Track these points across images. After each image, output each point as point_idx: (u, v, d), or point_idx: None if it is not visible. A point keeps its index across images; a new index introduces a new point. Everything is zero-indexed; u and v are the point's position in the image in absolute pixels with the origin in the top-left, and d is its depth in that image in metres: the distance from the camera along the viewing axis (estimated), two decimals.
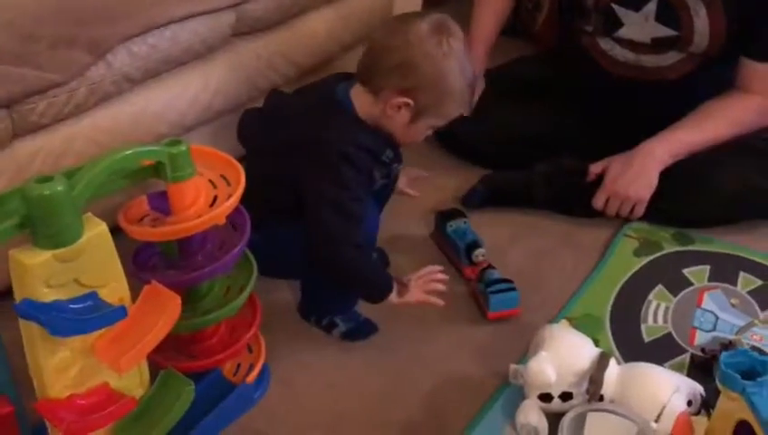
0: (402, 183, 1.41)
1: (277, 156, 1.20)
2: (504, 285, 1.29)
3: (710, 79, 1.51)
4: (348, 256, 1.16)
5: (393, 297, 1.19)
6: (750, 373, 0.96)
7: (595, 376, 1.03)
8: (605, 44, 1.55)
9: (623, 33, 1.51)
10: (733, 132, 1.47)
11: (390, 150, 1.21)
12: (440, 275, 1.23)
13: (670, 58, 1.51)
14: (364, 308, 1.28)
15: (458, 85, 1.18)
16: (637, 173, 1.46)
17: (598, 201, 1.50)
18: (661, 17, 1.46)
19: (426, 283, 1.21)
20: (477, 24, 1.68)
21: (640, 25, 1.49)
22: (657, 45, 1.50)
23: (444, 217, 1.47)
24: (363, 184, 1.17)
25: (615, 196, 1.48)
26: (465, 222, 1.45)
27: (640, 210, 1.49)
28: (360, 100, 1.19)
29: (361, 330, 1.27)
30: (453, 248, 1.42)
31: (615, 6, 1.49)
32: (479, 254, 1.36)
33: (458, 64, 1.16)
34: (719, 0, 1.40)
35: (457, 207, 1.54)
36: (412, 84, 1.15)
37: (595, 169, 1.52)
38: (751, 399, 0.93)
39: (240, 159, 1.09)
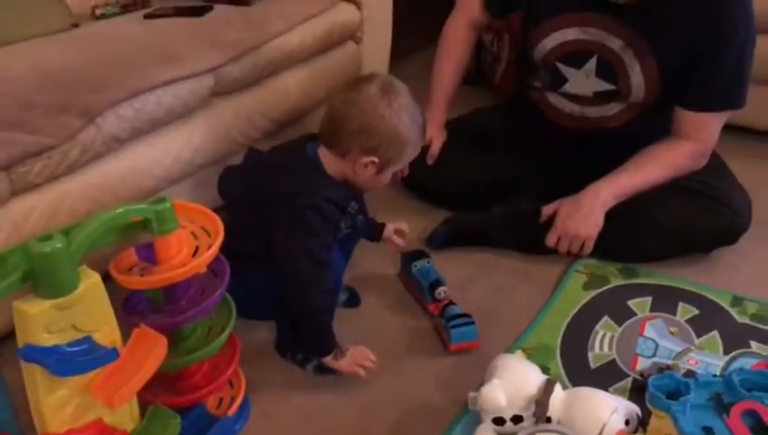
0: (389, 232, 1.55)
1: (253, 207, 1.32)
2: (463, 320, 1.40)
3: (649, 125, 1.64)
4: (315, 301, 1.27)
5: (329, 359, 1.30)
6: (675, 394, 1.08)
7: (541, 400, 1.14)
8: (553, 98, 1.69)
9: (568, 88, 1.65)
10: (669, 175, 1.58)
11: (355, 203, 1.34)
12: (369, 362, 1.31)
13: (612, 109, 1.64)
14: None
15: (413, 134, 1.32)
16: (585, 214, 1.57)
17: (550, 240, 1.61)
18: (600, 73, 1.60)
19: (358, 359, 1.31)
20: (439, 74, 1.82)
21: (583, 81, 1.63)
22: (599, 98, 1.63)
23: (409, 257, 1.58)
24: (330, 233, 1.29)
25: (565, 235, 1.59)
26: (428, 262, 1.56)
27: (589, 247, 1.59)
28: (328, 159, 1.32)
29: None
30: (418, 286, 1.53)
31: (559, 65, 1.63)
32: (441, 291, 1.48)
33: (408, 116, 1.30)
34: (651, 57, 1.53)
35: (422, 247, 1.65)
36: (374, 145, 1.28)
37: (547, 210, 1.63)
38: (675, 417, 1.04)
39: (218, 210, 1.20)
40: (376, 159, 1.30)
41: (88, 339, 0.96)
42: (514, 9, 1.74)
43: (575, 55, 1.61)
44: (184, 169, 1.57)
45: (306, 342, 1.34)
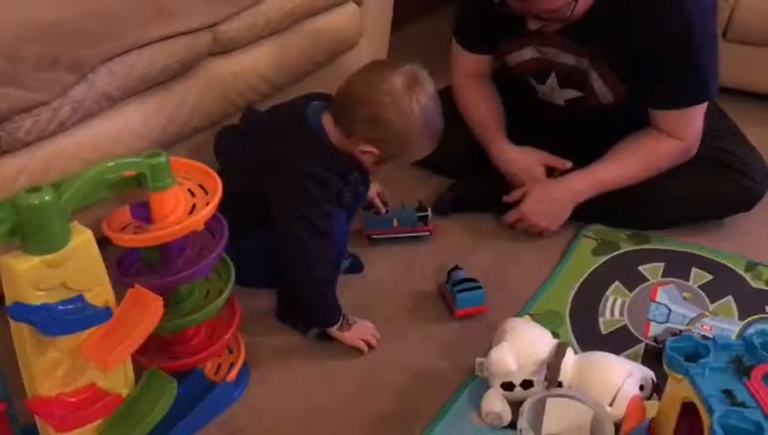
0: (371, 194, 1.51)
1: (250, 172, 1.27)
2: (470, 284, 1.36)
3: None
4: (316, 272, 1.23)
5: (334, 330, 1.27)
6: (693, 356, 1.04)
7: (553, 364, 1.10)
8: (532, 99, 1.65)
9: (540, 97, 1.63)
10: (649, 174, 1.52)
11: (357, 173, 1.29)
12: (373, 338, 1.29)
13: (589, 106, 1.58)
14: None
15: (422, 138, 1.27)
16: (552, 207, 1.54)
17: (509, 218, 1.57)
18: (563, 85, 1.56)
19: (363, 333, 1.28)
20: (476, 116, 1.67)
21: (550, 93, 1.59)
22: (571, 105, 1.59)
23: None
24: (332, 202, 1.25)
25: (526, 220, 1.55)
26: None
27: (549, 234, 1.57)
28: (331, 129, 1.27)
29: None
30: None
31: (528, 77, 1.60)
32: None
33: (424, 120, 1.24)
34: (606, 65, 1.47)
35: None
36: (380, 137, 1.23)
37: (516, 195, 1.58)
38: (693, 379, 1.00)
39: (218, 173, 1.15)
40: (376, 151, 1.25)
41: (80, 298, 0.93)
42: (495, 38, 1.61)
43: (536, 72, 1.58)
44: (179, 130, 1.52)
45: (310, 313, 1.31)
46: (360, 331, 1.29)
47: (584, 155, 1.57)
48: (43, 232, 0.86)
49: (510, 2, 1.33)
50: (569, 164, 1.59)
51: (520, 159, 1.61)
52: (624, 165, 1.53)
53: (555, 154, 1.63)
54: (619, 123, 1.56)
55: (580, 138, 1.60)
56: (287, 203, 1.22)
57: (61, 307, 0.90)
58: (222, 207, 1.07)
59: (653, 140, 1.52)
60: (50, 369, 0.94)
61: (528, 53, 1.55)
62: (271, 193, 1.24)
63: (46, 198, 0.86)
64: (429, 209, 1.58)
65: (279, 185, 1.22)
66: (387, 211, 1.57)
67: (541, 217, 1.54)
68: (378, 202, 1.55)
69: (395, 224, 1.55)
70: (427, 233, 1.57)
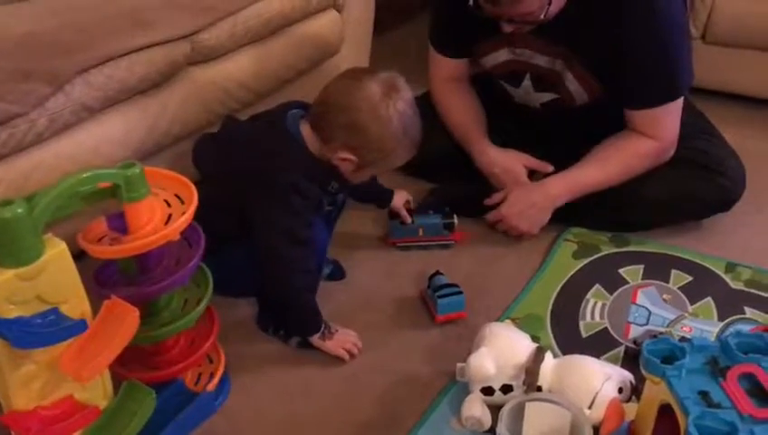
0: (398, 204, 1.55)
1: (229, 182, 1.27)
2: (450, 290, 1.36)
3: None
4: (297, 282, 1.23)
5: (315, 338, 1.27)
6: (670, 358, 1.04)
7: (531, 368, 1.11)
8: (509, 102, 1.66)
9: (517, 100, 1.63)
10: (626, 176, 1.53)
11: (335, 182, 1.29)
12: (354, 347, 1.29)
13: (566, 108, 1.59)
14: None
15: (401, 145, 1.27)
16: (532, 210, 1.54)
17: (491, 217, 1.58)
18: (539, 88, 1.57)
19: (344, 342, 1.28)
20: (455, 118, 1.68)
21: (525, 96, 1.60)
22: (547, 108, 1.60)
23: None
24: (310, 210, 1.25)
25: (506, 222, 1.56)
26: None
27: (528, 237, 1.57)
28: (310, 138, 1.27)
29: None
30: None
31: (502, 82, 1.62)
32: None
33: (403, 127, 1.24)
34: (579, 65, 1.48)
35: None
36: (357, 144, 1.23)
37: (496, 198, 1.58)
38: (670, 381, 1.00)
39: (196, 183, 1.15)
40: (355, 159, 1.25)
41: (54, 311, 0.92)
42: (470, 41, 1.61)
43: (511, 75, 1.59)
44: (160, 140, 1.52)
45: (291, 322, 1.31)
46: (341, 340, 1.28)
47: (564, 156, 1.58)
48: (15, 245, 0.86)
49: (483, 5, 1.33)
50: (550, 168, 1.60)
51: (502, 161, 1.62)
52: (602, 168, 1.53)
53: (535, 156, 1.64)
54: (596, 123, 1.56)
55: (559, 140, 1.62)
56: (267, 213, 1.22)
57: (35, 320, 0.89)
58: (201, 217, 1.07)
59: (630, 142, 1.52)
60: (26, 382, 0.94)
61: (503, 56, 1.56)
62: (250, 203, 1.23)
63: (18, 210, 0.85)
64: (455, 217, 1.57)
65: (259, 195, 1.22)
66: (412, 220, 1.56)
67: (520, 220, 1.54)
68: (404, 213, 1.55)
69: (420, 233, 1.55)
70: (453, 242, 1.57)
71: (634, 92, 1.49)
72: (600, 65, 1.47)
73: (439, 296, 1.35)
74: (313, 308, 1.28)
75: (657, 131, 1.51)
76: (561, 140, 1.61)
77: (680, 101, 1.50)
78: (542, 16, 1.34)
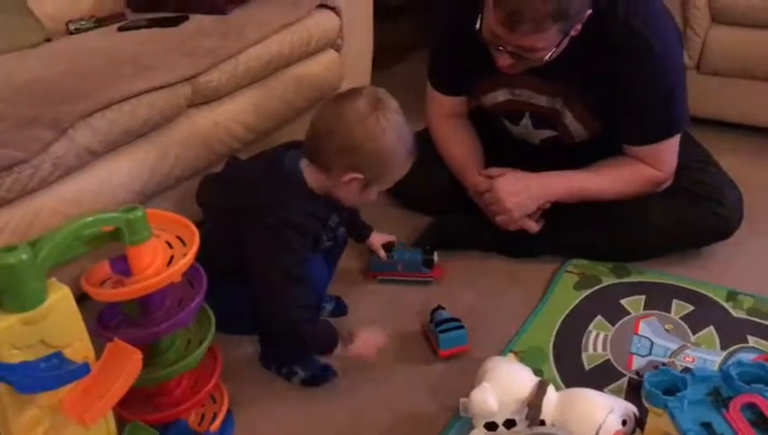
0: (376, 244, 1.55)
1: (231, 220, 1.28)
2: (452, 324, 1.36)
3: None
4: (296, 316, 1.22)
5: (339, 351, 1.27)
6: (672, 390, 1.04)
7: (534, 402, 1.10)
8: (508, 137, 1.67)
9: (516, 135, 1.65)
10: (623, 195, 1.54)
11: (336, 216, 1.30)
12: (380, 343, 1.31)
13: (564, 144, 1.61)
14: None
15: (399, 154, 1.26)
16: (523, 192, 1.53)
17: (480, 186, 1.58)
18: (538, 126, 1.59)
19: (369, 342, 1.29)
20: (453, 151, 1.69)
21: (525, 133, 1.62)
22: (546, 144, 1.62)
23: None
24: (308, 247, 1.25)
25: (494, 193, 1.54)
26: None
27: (502, 225, 1.56)
28: (311, 174, 1.27)
29: (320, 376, 1.32)
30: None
31: (502, 118, 1.64)
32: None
33: (396, 135, 1.24)
34: (580, 104, 1.51)
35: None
36: (358, 162, 1.23)
37: (494, 171, 1.58)
38: (672, 413, 1.00)
39: (201, 224, 1.16)
40: (360, 176, 1.25)
41: (58, 355, 0.93)
42: (468, 80, 1.63)
43: (510, 114, 1.61)
44: (163, 181, 1.53)
45: (306, 348, 1.31)
46: (365, 341, 1.28)
47: None
48: (19, 290, 0.87)
49: (495, 27, 1.32)
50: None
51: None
52: (602, 177, 1.54)
53: None
54: (594, 157, 1.58)
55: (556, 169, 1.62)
56: (263, 250, 1.22)
57: (38, 365, 0.90)
58: (204, 254, 1.08)
59: (634, 164, 1.54)
60: (30, 427, 0.94)
61: (501, 96, 1.58)
62: (248, 240, 1.24)
63: (23, 256, 0.86)
64: (435, 254, 1.57)
65: (255, 232, 1.23)
66: (392, 256, 1.56)
67: (508, 197, 1.53)
68: (381, 252, 1.55)
69: (399, 268, 1.56)
70: (432, 278, 1.57)
71: (633, 131, 1.51)
72: (598, 105, 1.49)
73: (441, 331, 1.35)
74: (318, 331, 1.26)
75: (656, 164, 1.53)
76: (562, 165, 1.60)
77: (678, 136, 1.52)
78: (545, 57, 1.36)
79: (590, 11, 1.34)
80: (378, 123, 1.22)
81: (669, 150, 1.53)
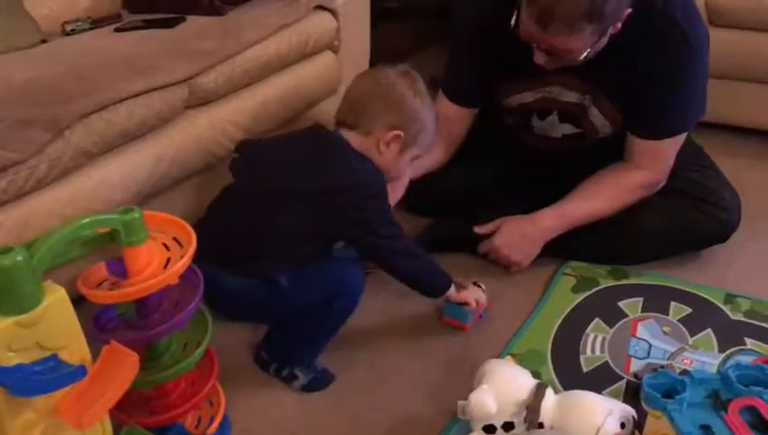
0: None
1: (290, 204, 1.25)
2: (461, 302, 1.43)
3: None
4: (420, 252, 1.34)
5: (452, 292, 1.39)
6: (671, 392, 1.04)
7: (532, 405, 1.10)
8: (524, 134, 1.66)
9: (536, 131, 1.64)
10: (616, 208, 1.55)
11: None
12: (483, 300, 1.45)
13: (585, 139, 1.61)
14: (320, 358, 1.34)
15: (429, 118, 1.36)
16: (523, 241, 1.56)
17: (482, 248, 1.60)
18: (564, 120, 1.58)
19: (474, 293, 1.43)
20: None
21: (549, 128, 1.62)
22: (569, 138, 1.61)
23: None
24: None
25: (497, 253, 1.57)
26: None
27: (516, 270, 1.59)
28: (354, 141, 1.32)
29: (320, 381, 1.32)
30: None
31: (530, 115, 1.62)
32: None
33: (426, 100, 1.35)
34: (604, 97, 1.50)
35: None
36: (399, 120, 1.31)
37: (488, 228, 1.60)
38: (671, 415, 1.00)
39: (197, 224, 1.15)
40: (401, 133, 1.31)
41: (54, 357, 0.91)
42: (484, 91, 1.62)
43: (537, 111, 1.60)
44: (159, 182, 1.52)
45: (428, 290, 1.39)
46: (473, 294, 1.42)
47: (564, 185, 1.59)
48: (15, 293, 0.86)
49: (529, 25, 1.31)
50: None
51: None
52: (594, 200, 1.55)
53: (533, 185, 1.67)
54: (609, 152, 1.57)
55: (565, 169, 1.62)
56: (370, 230, 1.27)
57: (34, 368, 0.89)
58: (246, 233, 1.23)
59: (622, 175, 1.54)
60: (25, 430, 0.92)
61: (529, 96, 1.57)
62: (336, 222, 1.26)
63: (18, 258, 0.85)
64: None
65: (349, 213, 1.25)
66: None
67: (512, 251, 1.56)
68: None
69: None
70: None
71: (649, 123, 1.51)
72: (628, 97, 1.48)
73: (446, 301, 1.42)
74: (435, 273, 1.37)
75: (654, 163, 1.53)
76: (567, 169, 1.61)
77: (684, 134, 1.53)
78: (580, 58, 1.35)
79: (629, 9, 1.32)
80: (411, 87, 1.33)
81: (672, 149, 1.53)
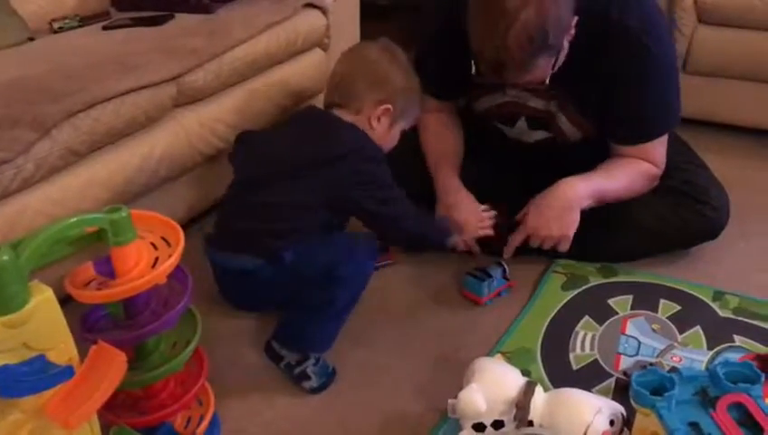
0: None
1: (285, 181, 1.32)
2: (483, 275, 1.48)
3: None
4: (415, 227, 1.40)
5: (455, 239, 1.51)
6: (659, 389, 1.04)
7: (521, 402, 1.10)
8: (499, 140, 1.67)
9: (511, 135, 1.64)
10: (632, 193, 1.53)
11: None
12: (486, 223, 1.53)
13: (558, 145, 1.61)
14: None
15: (415, 89, 1.44)
16: (559, 211, 1.48)
17: (515, 240, 1.54)
18: (533, 127, 1.58)
19: (475, 228, 1.52)
20: (444, 153, 1.65)
21: (520, 135, 1.62)
22: (540, 144, 1.61)
23: None
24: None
25: (537, 235, 1.50)
26: None
27: (566, 246, 1.50)
28: (346, 118, 1.38)
29: (329, 382, 1.31)
30: None
31: (496, 122, 1.63)
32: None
33: (409, 72, 1.44)
34: (571, 107, 1.51)
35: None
36: (386, 94, 1.39)
37: (519, 215, 1.55)
38: (660, 413, 1.00)
39: (187, 224, 1.15)
40: (390, 106, 1.38)
41: (41, 358, 0.91)
42: (465, 86, 1.59)
43: (505, 118, 1.61)
44: (147, 181, 1.52)
45: (437, 243, 1.51)
46: (473, 227, 1.52)
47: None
48: (1, 293, 0.85)
49: (487, 74, 1.33)
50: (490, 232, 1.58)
51: (460, 190, 1.58)
52: (613, 178, 1.52)
53: (522, 183, 1.63)
54: (588, 155, 1.57)
55: (549, 171, 1.60)
56: (368, 196, 1.33)
57: (21, 369, 0.89)
58: (262, 218, 1.28)
59: (631, 162, 1.54)
60: (13, 431, 0.92)
61: (497, 99, 1.57)
62: (338, 189, 1.31)
63: (4, 258, 0.85)
64: None
65: (348, 179, 1.31)
66: None
67: (552, 226, 1.48)
68: None
69: None
70: (388, 262, 1.62)
71: (625, 131, 1.51)
72: (591, 106, 1.49)
73: (467, 272, 1.49)
74: (435, 228, 1.47)
75: (646, 158, 1.53)
76: (550, 169, 1.59)
77: (665, 135, 1.53)
78: (546, 81, 1.35)
79: (575, 18, 1.32)
80: (394, 61, 1.41)
81: (659, 147, 1.54)
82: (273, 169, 1.33)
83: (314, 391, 1.30)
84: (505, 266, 1.51)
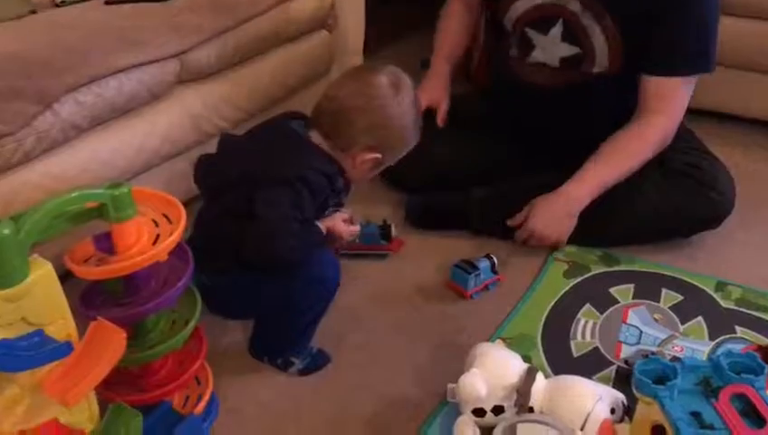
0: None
1: (236, 191, 1.19)
2: (469, 268, 1.45)
3: (626, 94, 1.57)
4: (288, 241, 1.15)
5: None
6: (662, 379, 1.04)
7: (522, 389, 1.09)
8: (522, 66, 1.65)
9: (536, 55, 1.61)
10: (638, 164, 1.53)
11: (341, 180, 1.26)
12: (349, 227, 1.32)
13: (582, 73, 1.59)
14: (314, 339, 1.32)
15: (414, 133, 1.30)
16: (559, 218, 1.54)
17: (518, 237, 1.58)
18: (566, 38, 1.56)
19: (343, 228, 1.29)
20: (444, 40, 1.80)
21: (549, 47, 1.59)
22: (564, 67, 1.59)
23: None
24: (314, 208, 1.20)
25: (536, 236, 1.55)
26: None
27: (562, 246, 1.58)
28: (325, 147, 1.24)
29: (317, 363, 1.31)
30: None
31: (527, 30, 1.60)
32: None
33: (414, 116, 1.28)
34: (609, 19, 1.49)
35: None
36: (380, 141, 1.24)
37: (519, 218, 1.58)
38: (662, 402, 1.00)
39: (188, 202, 1.14)
40: (379, 156, 1.25)
41: (40, 332, 0.90)
42: None
43: (542, 21, 1.58)
44: (149, 159, 1.51)
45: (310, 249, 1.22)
46: (338, 228, 1.27)
47: (560, 160, 1.59)
48: (1, 267, 0.85)
49: None
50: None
51: (434, 75, 1.74)
52: (615, 162, 1.53)
53: (534, 157, 1.68)
54: (603, 121, 1.56)
55: (561, 139, 1.62)
56: (269, 203, 1.14)
57: (19, 343, 0.88)
58: (210, 237, 1.11)
59: (638, 131, 1.53)
60: (9, 406, 0.91)
61: (531, 1, 1.56)
62: (256, 200, 1.15)
63: (5, 231, 0.84)
64: (393, 226, 1.58)
65: (266, 189, 1.16)
66: None
67: (549, 230, 1.54)
68: None
69: (357, 241, 1.51)
70: (389, 252, 1.59)
71: (660, 58, 1.50)
72: (630, 21, 1.48)
73: (455, 264, 1.46)
74: (307, 237, 1.19)
75: (669, 107, 1.53)
76: (568, 138, 1.60)
77: (695, 80, 1.53)
78: None
79: None
80: (400, 105, 1.24)
81: (684, 93, 1.53)
82: (222, 181, 1.23)
83: (302, 372, 1.29)
84: (494, 260, 1.49)
